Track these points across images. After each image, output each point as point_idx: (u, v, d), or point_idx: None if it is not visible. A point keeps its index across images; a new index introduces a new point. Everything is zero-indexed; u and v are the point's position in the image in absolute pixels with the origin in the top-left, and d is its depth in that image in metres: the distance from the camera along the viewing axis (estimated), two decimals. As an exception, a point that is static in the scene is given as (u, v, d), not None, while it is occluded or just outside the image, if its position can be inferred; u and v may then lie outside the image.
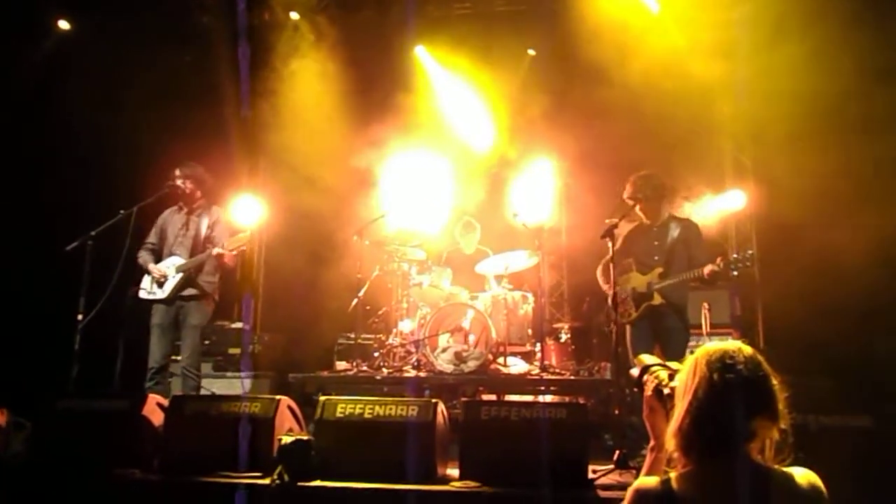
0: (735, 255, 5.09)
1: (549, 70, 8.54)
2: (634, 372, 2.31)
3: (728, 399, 1.79)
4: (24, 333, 6.56)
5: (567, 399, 6.42)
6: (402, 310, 7.02)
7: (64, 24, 8.09)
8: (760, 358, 1.88)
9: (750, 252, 5.11)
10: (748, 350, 1.91)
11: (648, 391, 2.17)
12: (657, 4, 8.12)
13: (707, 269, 5.13)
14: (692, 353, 1.98)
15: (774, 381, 1.85)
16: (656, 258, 5.46)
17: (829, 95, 7.22)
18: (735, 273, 5.12)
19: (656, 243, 5.51)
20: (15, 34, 7.29)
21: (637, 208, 5.47)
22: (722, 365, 1.84)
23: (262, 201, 9.03)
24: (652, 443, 2.17)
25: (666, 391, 2.12)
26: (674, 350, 5.27)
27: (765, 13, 7.20)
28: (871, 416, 3.96)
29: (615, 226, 5.25)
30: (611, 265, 5.17)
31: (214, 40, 8.05)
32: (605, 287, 5.72)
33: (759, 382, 1.83)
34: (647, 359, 2.30)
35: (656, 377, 2.18)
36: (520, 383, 6.40)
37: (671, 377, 2.14)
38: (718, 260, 5.10)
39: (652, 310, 5.41)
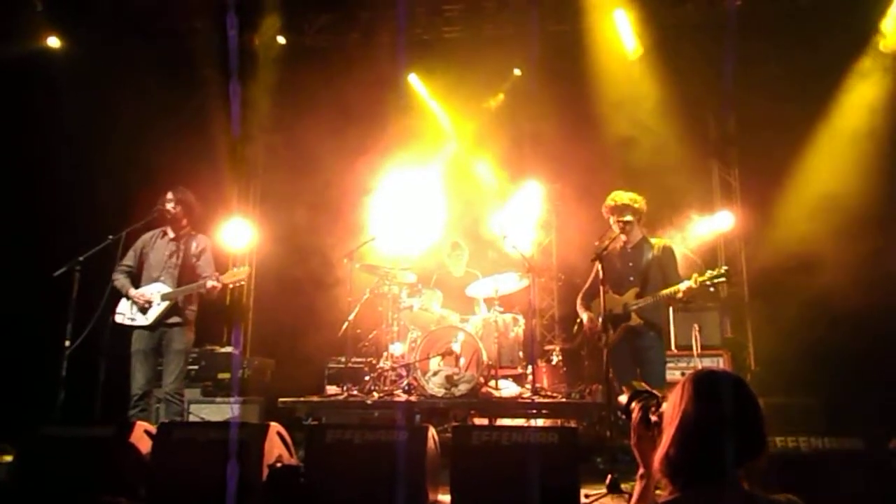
0: (710, 272, 5.11)
1: (537, 92, 8.61)
2: (623, 399, 2.31)
3: (715, 426, 1.79)
4: (9, 359, 6.50)
5: (558, 423, 6.39)
6: (393, 333, 6.99)
7: (53, 42, 8.10)
8: (747, 384, 1.88)
9: (724, 268, 5.12)
10: (734, 376, 1.91)
11: (636, 418, 2.17)
12: (635, 44, 8.24)
13: (683, 286, 5.15)
14: (682, 374, 1.99)
15: (761, 409, 1.85)
16: (631, 279, 5.51)
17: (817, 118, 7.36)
18: (712, 289, 5.17)
19: (631, 264, 5.56)
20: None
21: (619, 228, 5.50)
22: (709, 392, 1.84)
23: (253, 224, 9.04)
24: (641, 470, 2.16)
25: (653, 418, 2.12)
26: (651, 369, 5.30)
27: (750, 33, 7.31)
28: (862, 438, 3.95)
29: (605, 249, 5.29)
30: (601, 287, 5.19)
31: (204, 64, 8.07)
32: (582, 314, 5.81)
33: (746, 409, 1.83)
34: (635, 386, 2.30)
35: (644, 404, 2.18)
36: (511, 406, 6.37)
37: (659, 404, 2.14)
38: (695, 276, 5.14)
39: (629, 330, 5.44)
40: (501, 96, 9.00)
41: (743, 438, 1.78)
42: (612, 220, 5.55)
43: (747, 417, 1.82)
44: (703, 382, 1.87)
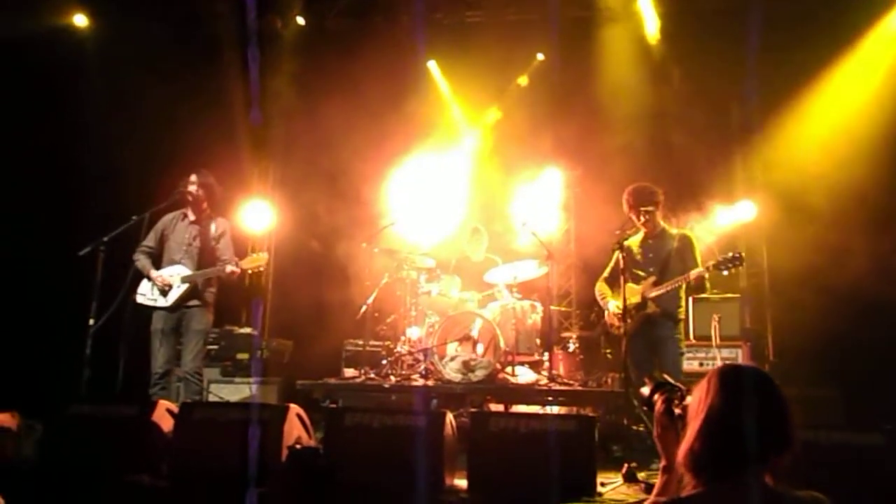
0: (722, 257, 5.11)
1: (558, 78, 8.56)
2: (645, 390, 2.31)
3: (741, 422, 1.79)
4: (35, 337, 6.59)
5: (575, 411, 6.40)
6: (411, 317, 7.02)
7: (80, 20, 8.10)
8: (774, 380, 1.88)
9: (737, 253, 5.16)
10: (762, 372, 1.91)
11: (659, 410, 2.17)
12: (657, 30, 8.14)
13: (694, 273, 5.21)
14: (700, 365, 1.99)
15: (788, 405, 1.85)
16: (651, 269, 5.50)
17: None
18: (725, 273, 5.17)
19: (651, 255, 5.56)
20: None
21: (639, 220, 5.48)
22: (736, 387, 1.84)
23: (272, 206, 9.08)
24: (663, 462, 2.17)
25: (677, 411, 2.12)
26: (667, 358, 5.32)
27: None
28: (882, 432, 3.92)
29: (626, 237, 5.28)
30: (621, 276, 5.19)
31: (225, 47, 8.07)
32: (601, 301, 5.82)
33: (772, 406, 1.83)
34: (658, 378, 2.31)
35: (667, 396, 2.18)
36: (528, 393, 6.39)
37: (683, 396, 2.14)
38: (709, 263, 5.16)
39: (646, 318, 5.43)
40: (524, 80, 8.92)
41: (769, 435, 1.78)
42: (632, 213, 5.53)
43: (774, 414, 1.81)
44: (730, 377, 1.87)
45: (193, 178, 6.04)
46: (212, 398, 6.84)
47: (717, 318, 6.82)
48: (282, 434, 4.29)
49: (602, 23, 8.26)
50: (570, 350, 7.47)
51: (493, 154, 8.94)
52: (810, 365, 6.60)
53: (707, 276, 5.22)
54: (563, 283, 8.82)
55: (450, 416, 4.38)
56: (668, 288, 5.32)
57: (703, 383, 1.92)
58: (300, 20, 8.78)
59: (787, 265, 7.48)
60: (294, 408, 4.54)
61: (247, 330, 7.89)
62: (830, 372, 6.43)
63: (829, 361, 6.49)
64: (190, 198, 6.03)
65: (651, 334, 5.45)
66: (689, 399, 2.04)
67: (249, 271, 5.94)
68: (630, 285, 5.45)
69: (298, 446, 4.18)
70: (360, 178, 8.25)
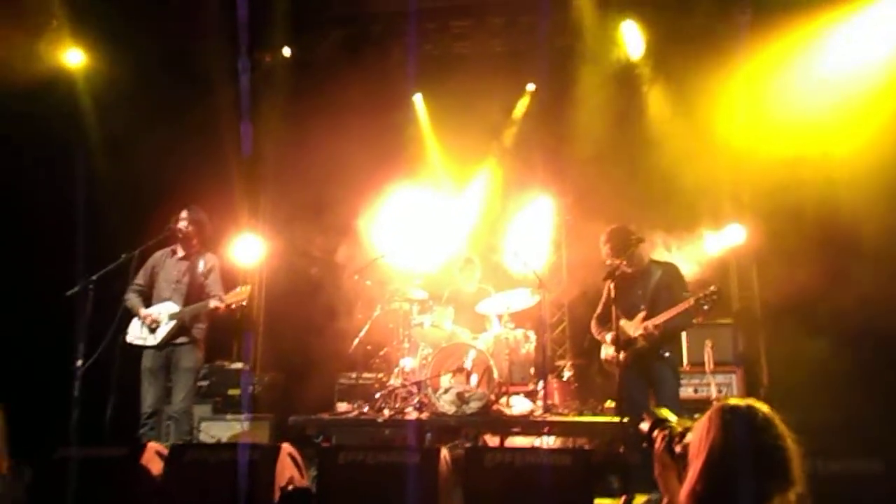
0: (703, 292, 5.15)
1: (549, 108, 8.62)
2: (644, 427, 2.29)
3: (744, 462, 1.77)
4: (23, 379, 6.49)
5: (571, 444, 6.35)
6: (404, 349, 6.98)
7: (75, 57, 8.03)
8: (776, 418, 1.85)
9: (713, 288, 5.16)
10: (764, 409, 1.89)
11: (659, 448, 2.14)
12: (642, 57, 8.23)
13: (677, 308, 5.21)
14: (695, 391, 1.96)
15: (791, 444, 1.82)
16: (641, 305, 5.47)
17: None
18: (706, 308, 5.17)
19: (640, 292, 5.53)
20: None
21: (621, 263, 5.46)
22: (738, 426, 1.82)
23: (263, 239, 9.05)
24: (665, 500, 2.14)
25: (678, 449, 2.09)
26: (664, 391, 5.29)
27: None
28: (881, 458, 3.89)
29: (617, 267, 5.26)
30: (612, 307, 5.17)
31: (215, 82, 8.09)
32: (598, 336, 5.77)
33: (775, 445, 1.80)
34: (657, 413, 2.28)
35: (667, 434, 2.16)
36: (523, 425, 6.33)
37: (683, 434, 2.12)
38: (691, 299, 5.17)
39: (639, 353, 5.40)
40: (519, 112, 8.98)
41: (771, 474, 1.76)
42: (613, 258, 5.50)
43: (776, 453, 1.79)
44: (731, 416, 1.85)
45: (184, 214, 6.03)
46: (202, 436, 6.74)
47: (710, 344, 6.79)
48: (274, 474, 4.23)
49: (588, 51, 8.32)
50: (565, 378, 7.43)
51: (484, 184, 8.96)
52: (805, 390, 6.57)
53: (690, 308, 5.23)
54: (556, 311, 8.79)
55: (444, 452, 4.34)
56: (666, 318, 5.29)
57: (704, 422, 1.90)
58: (286, 51, 8.81)
59: (778, 288, 7.49)
60: (286, 447, 4.48)
61: (238, 365, 7.81)
62: (826, 397, 6.40)
63: (824, 387, 6.45)
64: (180, 234, 6.02)
65: (647, 370, 5.41)
66: (689, 437, 2.02)
67: (233, 305, 5.90)
68: (623, 322, 5.42)
69: (291, 487, 4.12)
70: (351, 210, 8.24)
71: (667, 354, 5.39)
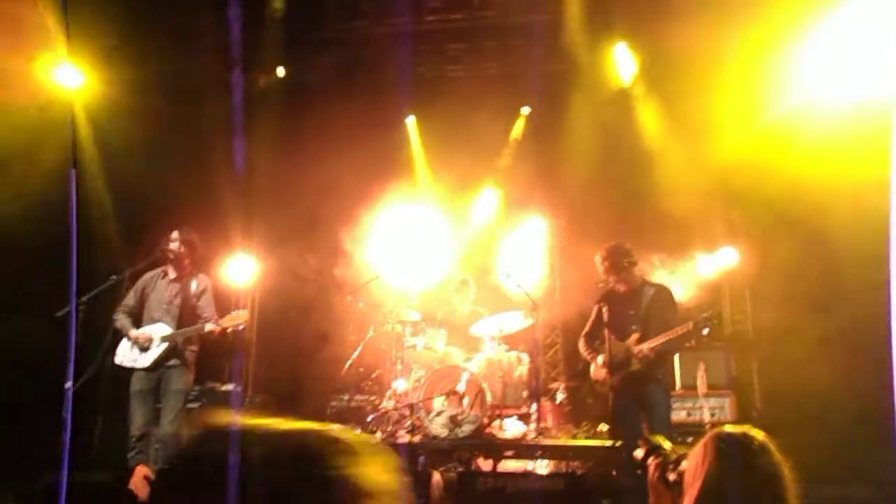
0: (703, 315, 5.17)
1: (543, 130, 8.66)
2: (638, 454, 2.27)
3: (739, 491, 1.75)
4: (8, 402, 6.41)
5: (564, 468, 6.30)
6: (397, 371, 6.95)
7: (70, 77, 8.01)
8: (771, 446, 1.84)
9: (711, 312, 5.23)
10: (760, 437, 1.87)
11: (653, 476, 2.12)
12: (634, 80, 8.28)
13: (675, 331, 5.21)
14: (688, 415, 1.95)
15: (787, 471, 1.81)
16: (634, 326, 5.47)
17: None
18: (706, 332, 5.17)
19: (632, 312, 5.54)
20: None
21: (616, 280, 5.47)
22: (733, 454, 1.81)
23: (256, 260, 9.01)
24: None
25: (672, 476, 2.07)
26: (656, 413, 5.27)
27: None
28: (874, 481, 3.88)
29: (610, 290, 5.27)
30: (605, 329, 5.16)
31: (209, 101, 8.10)
32: (586, 356, 5.74)
33: (771, 473, 1.79)
34: (652, 440, 2.26)
35: (661, 461, 2.14)
36: (516, 448, 6.28)
37: (677, 462, 2.10)
38: (690, 323, 5.19)
39: (632, 376, 5.38)
40: (517, 134, 9.01)
41: (768, 502, 1.74)
42: (608, 275, 5.53)
43: (772, 481, 1.77)
44: (726, 443, 1.83)
45: (175, 235, 5.99)
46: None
47: (703, 367, 6.77)
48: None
49: (580, 75, 8.38)
50: (558, 401, 7.40)
51: (478, 205, 8.97)
52: (798, 413, 6.55)
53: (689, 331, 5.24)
54: (549, 333, 8.77)
55: (436, 476, 4.30)
56: (662, 341, 5.28)
57: (700, 449, 1.88)
58: (280, 72, 8.83)
59: (771, 311, 7.50)
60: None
61: (229, 386, 7.74)
62: (819, 421, 6.38)
63: (817, 410, 6.43)
64: (171, 255, 5.98)
65: (638, 390, 5.39)
66: (684, 464, 2.00)
67: (229, 329, 5.85)
68: (614, 342, 5.41)
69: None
70: (345, 231, 8.23)
71: (660, 377, 5.38)
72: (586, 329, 5.84)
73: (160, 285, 6.03)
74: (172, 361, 5.79)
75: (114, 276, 5.60)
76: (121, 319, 5.86)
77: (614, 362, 5.34)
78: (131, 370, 5.77)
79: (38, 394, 5.63)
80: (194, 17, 7.85)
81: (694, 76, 7.65)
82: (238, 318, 5.84)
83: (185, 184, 7.48)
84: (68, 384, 5.10)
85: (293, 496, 1.00)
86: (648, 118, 8.32)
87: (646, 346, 5.30)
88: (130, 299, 5.96)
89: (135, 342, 5.77)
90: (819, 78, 7.30)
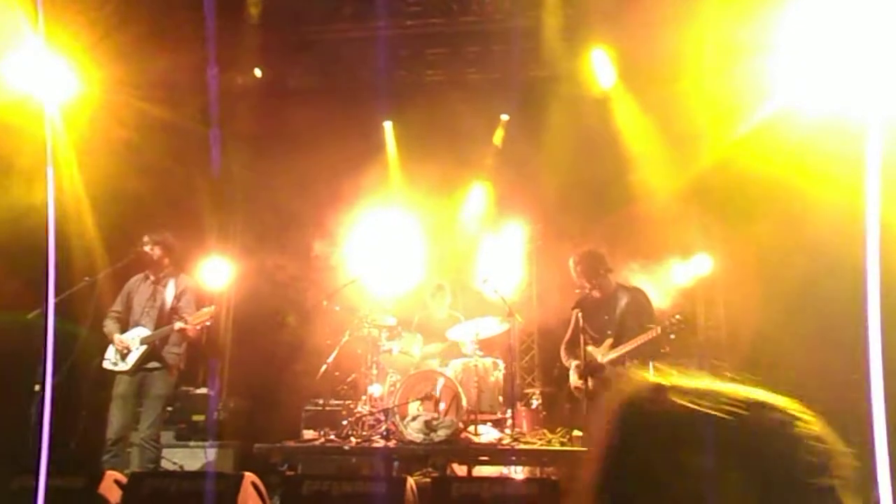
0: (669, 321, 5.23)
1: (522, 136, 8.70)
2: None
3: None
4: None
5: (538, 473, 6.32)
6: (372, 376, 6.93)
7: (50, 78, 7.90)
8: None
9: (677, 317, 5.27)
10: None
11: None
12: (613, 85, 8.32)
13: (644, 336, 5.30)
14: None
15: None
16: (608, 331, 5.51)
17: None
18: (672, 337, 5.23)
19: (606, 317, 5.59)
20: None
21: (590, 286, 5.51)
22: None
23: (232, 262, 8.95)
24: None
25: None
26: None
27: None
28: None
29: (586, 296, 5.30)
30: (581, 336, 5.20)
31: (185, 102, 8.03)
32: (566, 362, 5.78)
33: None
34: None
35: None
36: (491, 453, 6.29)
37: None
38: (657, 327, 5.26)
39: (605, 381, 5.42)
40: (498, 140, 9.03)
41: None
42: (582, 280, 5.57)
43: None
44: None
45: (146, 238, 6.04)
46: (165, 463, 6.60)
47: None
48: (236, 505, 4.15)
49: (559, 80, 8.42)
50: (534, 407, 7.42)
51: (456, 210, 8.98)
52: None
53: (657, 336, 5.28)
54: (525, 338, 8.80)
55: (411, 481, 4.29)
56: (623, 351, 5.34)
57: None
58: (258, 73, 8.79)
59: (745, 318, 7.58)
60: (249, 476, 4.40)
61: (203, 390, 7.68)
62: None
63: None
64: (147, 258, 5.98)
65: None
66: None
67: (197, 326, 5.86)
68: (591, 347, 5.45)
69: (254, 518, 4.04)
70: (321, 234, 8.20)
71: None
72: (567, 336, 5.88)
73: (142, 288, 6.09)
74: (152, 364, 5.80)
75: (86, 278, 5.57)
76: (108, 325, 5.93)
77: (589, 368, 5.37)
78: (116, 374, 5.77)
79: (9, 397, 5.58)
80: (171, 17, 7.79)
81: (672, 82, 7.72)
82: (205, 315, 5.85)
83: (162, 184, 7.41)
84: (37, 387, 5.09)
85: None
86: (626, 123, 8.38)
87: (613, 354, 5.34)
88: (118, 304, 6.04)
89: (116, 347, 5.78)
90: (797, 84, 7.40)
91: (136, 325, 5.90)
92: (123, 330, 5.91)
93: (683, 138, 7.86)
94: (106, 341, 5.87)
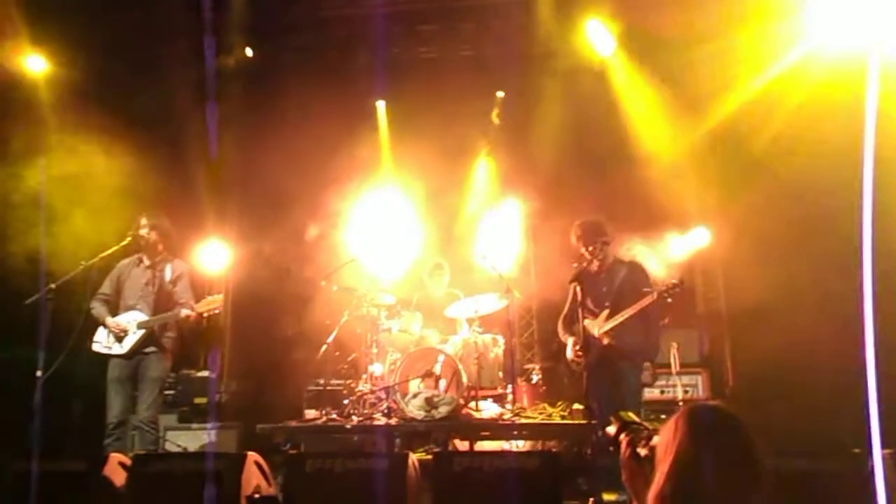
0: (665, 285, 5.24)
1: (518, 111, 8.64)
2: (611, 430, 2.28)
3: (710, 463, 1.77)
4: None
5: (539, 447, 6.36)
6: (372, 355, 6.94)
7: (36, 63, 7.85)
8: (742, 420, 1.86)
9: (675, 281, 5.28)
10: (729, 412, 1.89)
11: (625, 453, 2.14)
12: (612, 46, 8.21)
13: (638, 305, 5.28)
14: (661, 392, 1.97)
15: (756, 446, 1.83)
16: (606, 303, 5.51)
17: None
18: (669, 300, 5.24)
19: (604, 289, 5.58)
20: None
21: (589, 254, 5.50)
22: (703, 428, 1.82)
23: (230, 245, 8.92)
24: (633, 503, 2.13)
25: (643, 452, 2.09)
26: (627, 389, 5.32)
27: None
28: (845, 455, 3.95)
29: (583, 270, 5.29)
30: (579, 310, 5.19)
31: (179, 84, 7.96)
32: (563, 337, 5.78)
33: (741, 447, 1.81)
34: (623, 417, 2.27)
35: (632, 437, 2.15)
36: (492, 428, 6.33)
37: (649, 437, 2.12)
38: (654, 293, 5.27)
39: (603, 353, 5.43)
40: (496, 118, 8.96)
41: (738, 476, 1.77)
42: (581, 247, 5.55)
43: (742, 455, 1.80)
44: (698, 418, 1.85)
45: (143, 220, 5.95)
46: (169, 446, 6.63)
47: (675, 346, 6.85)
48: (240, 484, 4.18)
49: (554, 54, 8.35)
50: (534, 382, 7.45)
51: (453, 187, 8.94)
52: (770, 389, 6.65)
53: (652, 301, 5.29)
54: (524, 314, 8.81)
55: (413, 458, 4.32)
56: (619, 321, 5.34)
57: (671, 424, 1.90)
58: (248, 52, 8.69)
59: (744, 290, 7.58)
60: (252, 455, 4.42)
61: (204, 373, 7.69)
62: (789, 395, 6.48)
63: (787, 385, 6.54)
64: (142, 241, 5.92)
65: (611, 367, 5.44)
66: (655, 440, 2.02)
67: (205, 314, 5.83)
68: (587, 322, 5.45)
69: (257, 496, 4.07)
70: (319, 214, 8.17)
71: (631, 354, 5.44)
72: (565, 311, 5.87)
73: (135, 272, 5.99)
74: (149, 348, 5.77)
75: (83, 263, 5.54)
76: (97, 307, 5.84)
77: (588, 340, 5.38)
78: (108, 357, 5.73)
79: (9, 382, 5.58)
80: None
81: (673, 49, 7.65)
82: (214, 303, 5.83)
83: (158, 168, 7.37)
84: (38, 372, 5.08)
85: None
86: (626, 92, 8.29)
87: (610, 324, 5.35)
88: (106, 287, 5.93)
89: (111, 330, 5.74)
90: (799, 49, 7.33)
91: (131, 309, 5.83)
92: (114, 313, 5.84)
93: (683, 107, 7.81)
94: (94, 324, 5.79)
